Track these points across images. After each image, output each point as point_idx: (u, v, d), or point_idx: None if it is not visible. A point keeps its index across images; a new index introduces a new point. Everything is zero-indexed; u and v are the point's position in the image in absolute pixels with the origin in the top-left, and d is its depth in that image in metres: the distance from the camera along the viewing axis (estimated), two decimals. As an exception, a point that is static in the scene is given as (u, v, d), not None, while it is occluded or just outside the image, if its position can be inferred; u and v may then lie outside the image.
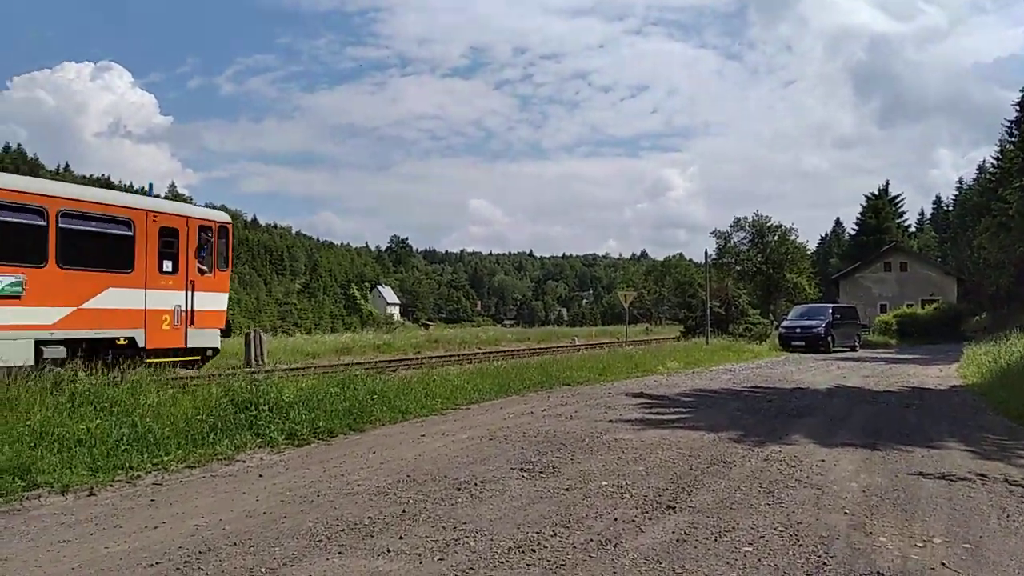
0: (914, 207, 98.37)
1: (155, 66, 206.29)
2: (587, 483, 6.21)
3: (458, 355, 23.56)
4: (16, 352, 10.98)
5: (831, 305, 34.01)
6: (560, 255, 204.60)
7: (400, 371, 15.48)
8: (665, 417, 10.33)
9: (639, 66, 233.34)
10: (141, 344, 13.16)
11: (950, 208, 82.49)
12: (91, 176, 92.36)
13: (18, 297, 11.34)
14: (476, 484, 6.10)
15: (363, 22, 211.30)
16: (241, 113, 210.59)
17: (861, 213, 71.06)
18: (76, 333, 12.17)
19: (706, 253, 36.56)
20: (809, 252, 63.63)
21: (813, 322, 29.75)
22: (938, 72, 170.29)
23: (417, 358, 20.16)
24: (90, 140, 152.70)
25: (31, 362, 11.09)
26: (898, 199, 72.44)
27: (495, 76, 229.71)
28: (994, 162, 53.01)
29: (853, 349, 31.32)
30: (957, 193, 79.13)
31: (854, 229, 74.80)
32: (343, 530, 4.85)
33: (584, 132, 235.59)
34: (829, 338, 29.11)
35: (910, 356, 27.22)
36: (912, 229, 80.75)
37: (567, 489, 5.98)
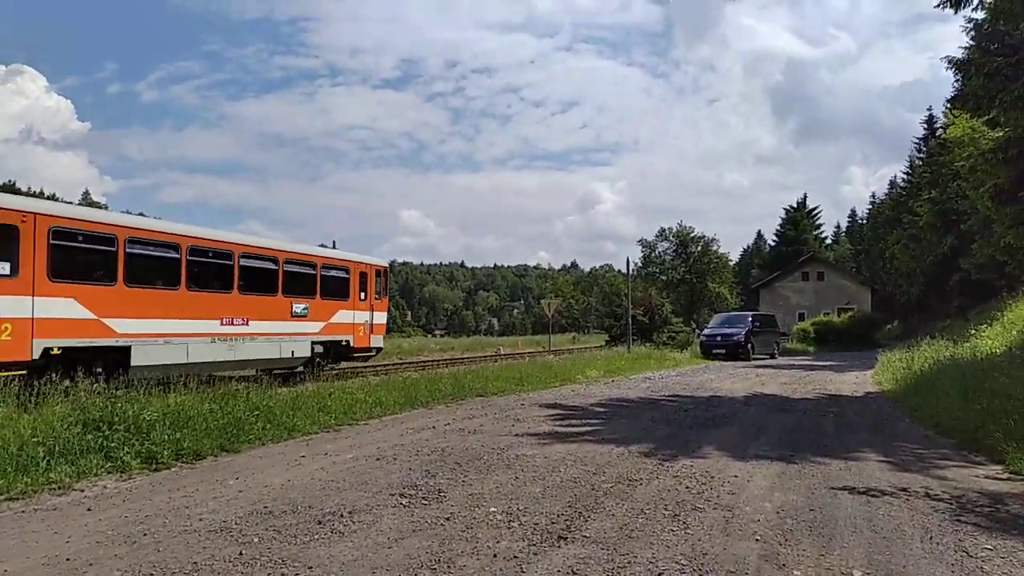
0: (830, 221, 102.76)
1: (71, 70, 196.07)
2: (473, 510, 5.43)
3: (370, 367, 22.50)
4: (304, 349, 18.09)
5: (751, 313, 34.35)
6: (492, 266, 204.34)
7: (298, 385, 14.38)
8: (575, 430, 9.67)
9: (569, 82, 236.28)
10: (351, 345, 20.05)
11: (864, 221, 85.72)
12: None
13: (305, 316, 18.10)
14: (343, 516, 5.25)
15: (292, 31, 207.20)
16: (163, 121, 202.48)
17: (780, 225, 73.09)
18: (326, 338, 18.94)
19: (628, 261, 36.54)
20: (731, 263, 64.96)
21: (733, 330, 29.88)
22: (850, 95, 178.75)
23: (317, 372, 18.99)
24: None
25: (308, 355, 18.21)
26: (815, 212, 74.94)
27: (427, 88, 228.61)
28: (905, 177, 55.26)
29: (772, 356, 31.65)
30: (871, 207, 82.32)
31: (774, 240, 76.90)
32: (157, 581, 3.93)
33: (516, 145, 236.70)
34: (749, 346, 29.27)
35: (827, 363, 27.56)
36: (829, 241, 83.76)
37: (448, 519, 5.19)
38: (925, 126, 52.00)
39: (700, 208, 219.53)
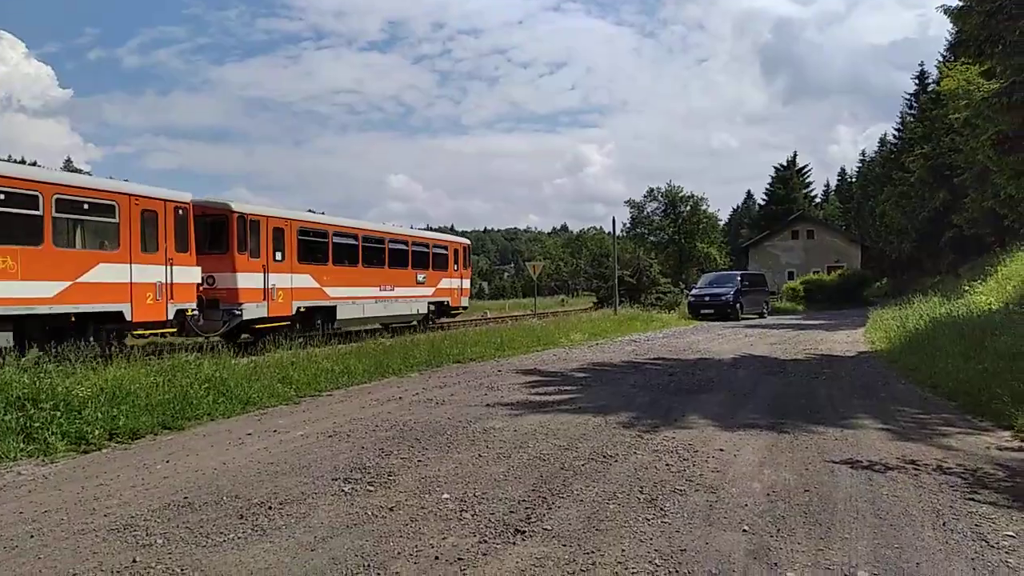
0: (819, 181, 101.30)
1: (51, 36, 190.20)
2: (423, 497, 4.77)
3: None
4: (424, 307, 23.45)
5: (739, 272, 33.77)
6: (481, 229, 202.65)
7: (274, 352, 13.55)
8: (551, 398, 9.03)
9: (558, 42, 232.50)
10: (450, 305, 25.23)
11: (854, 180, 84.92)
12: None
13: (424, 284, 23.43)
14: (271, 507, 4.58)
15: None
16: (146, 86, 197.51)
17: (770, 184, 72.27)
18: (435, 299, 24.18)
19: (613, 221, 36.13)
20: (721, 223, 64.31)
21: (722, 290, 29.31)
22: (838, 53, 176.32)
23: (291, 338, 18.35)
24: None
25: (425, 312, 23.55)
26: (805, 170, 73.96)
27: (413, 51, 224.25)
28: (896, 134, 54.38)
29: (762, 316, 31.16)
30: (860, 165, 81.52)
31: (763, 200, 76.19)
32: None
33: (504, 108, 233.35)
34: (738, 305, 28.74)
35: (817, 322, 27.07)
36: (818, 200, 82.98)
37: (392, 509, 4.53)
38: (916, 82, 50.95)
39: (690, 169, 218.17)
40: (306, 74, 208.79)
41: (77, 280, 12.40)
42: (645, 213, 58.06)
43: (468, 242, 28.73)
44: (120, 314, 13.22)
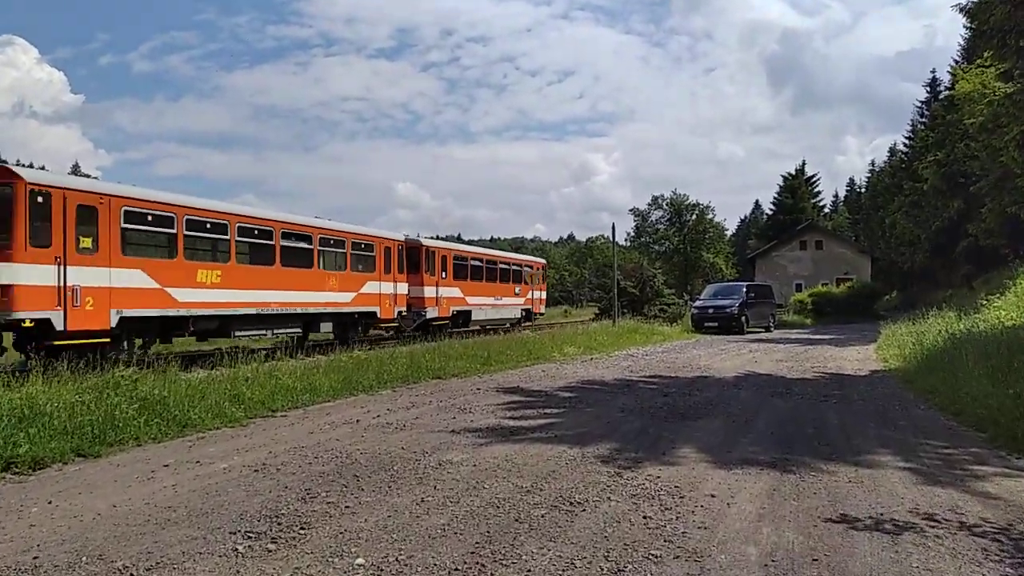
0: (826, 191, 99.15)
1: (63, 42, 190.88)
2: (331, 563, 3.79)
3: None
4: (517, 313, 30.52)
5: (745, 283, 32.69)
6: (488, 238, 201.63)
7: (242, 365, 12.47)
8: (527, 423, 8.04)
9: (566, 51, 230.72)
10: (532, 312, 31.92)
11: (863, 190, 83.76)
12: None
13: (518, 295, 30.24)
14: (131, 576, 3.60)
15: (286, 0, 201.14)
16: (157, 92, 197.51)
17: (778, 193, 71.06)
18: (524, 307, 30.94)
19: (613, 228, 35.53)
20: (727, 232, 63.27)
21: (726, 302, 28.25)
22: (844, 64, 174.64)
23: (268, 349, 17.40)
24: None
25: (517, 317, 30.58)
26: (813, 179, 72.75)
27: (422, 58, 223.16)
28: (906, 143, 53.29)
29: (768, 329, 30.10)
30: (869, 175, 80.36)
31: (771, 209, 75.02)
32: None
33: (511, 116, 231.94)
34: (743, 318, 27.67)
35: (826, 336, 25.99)
36: (827, 211, 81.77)
37: (283, 581, 3.55)
38: (928, 89, 50.02)
39: (697, 178, 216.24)
40: (316, 81, 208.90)
41: (359, 292, 19.85)
42: (650, 221, 57.05)
43: (545, 261, 36.89)
44: (375, 313, 20.60)
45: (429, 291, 23.44)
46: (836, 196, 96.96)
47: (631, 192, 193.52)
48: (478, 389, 10.94)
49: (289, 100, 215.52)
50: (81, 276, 12.01)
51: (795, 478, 5.59)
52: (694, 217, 55.89)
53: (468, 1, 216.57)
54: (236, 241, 15.54)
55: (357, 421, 8.16)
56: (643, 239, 57.20)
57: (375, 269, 20.53)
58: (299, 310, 17.55)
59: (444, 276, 24.32)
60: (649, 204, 57.02)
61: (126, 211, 12.93)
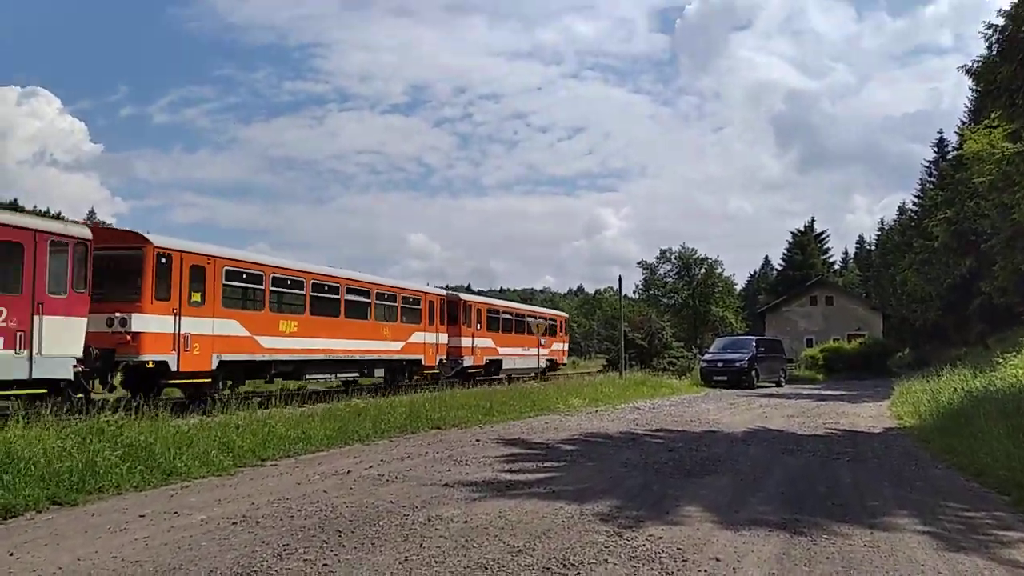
0: (836, 249, 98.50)
1: (85, 93, 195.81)
2: (299, 627, 3.48)
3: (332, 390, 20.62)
4: (544, 362, 31.56)
5: (755, 337, 32.31)
6: (498, 289, 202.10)
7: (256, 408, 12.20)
8: (525, 477, 7.69)
9: (576, 108, 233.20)
10: (556, 362, 33.78)
11: (872, 247, 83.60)
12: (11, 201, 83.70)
13: (544, 345, 30.92)
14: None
15: (303, 56, 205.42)
16: (175, 143, 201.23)
17: (787, 249, 70.96)
18: (548, 358, 32.49)
19: (620, 280, 35.61)
20: (736, 287, 62.93)
21: (736, 355, 27.82)
22: (852, 125, 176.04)
23: (263, 393, 17.12)
24: (12, 168, 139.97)
25: (543, 367, 31.28)
26: (823, 236, 72.60)
27: (435, 114, 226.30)
28: (915, 201, 53.29)
29: (778, 384, 29.57)
30: (879, 233, 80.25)
31: (780, 265, 74.78)
32: None
33: (522, 170, 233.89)
34: (753, 372, 27.21)
35: (838, 392, 25.47)
36: (836, 267, 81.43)
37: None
38: (935, 149, 50.26)
39: (706, 234, 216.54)
40: (330, 134, 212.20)
41: (407, 341, 21.85)
42: (658, 275, 56.87)
43: (566, 315, 40.47)
44: (420, 361, 22.47)
45: (466, 341, 25.30)
46: (846, 253, 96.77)
47: (641, 246, 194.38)
48: (477, 440, 10.59)
49: (304, 152, 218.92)
50: (192, 325, 14.04)
51: (806, 541, 5.23)
52: (703, 271, 55.63)
53: (481, 60, 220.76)
54: (310, 296, 17.74)
55: (348, 472, 7.84)
56: (652, 292, 56.91)
57: (421, 320, 22.62)
58: (358, 356, 19.64)
59: (479, 328, 26.27)
60: (657, 257, 56.90)
61: (227, 270, 15.24)
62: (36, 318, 10.89)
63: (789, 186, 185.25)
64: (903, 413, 15.32)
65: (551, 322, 33.86)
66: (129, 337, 12.73)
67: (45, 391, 11.02)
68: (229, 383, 15.63)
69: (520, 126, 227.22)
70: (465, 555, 4.74)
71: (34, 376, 10.90)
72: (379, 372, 20.96)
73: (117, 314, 12.77)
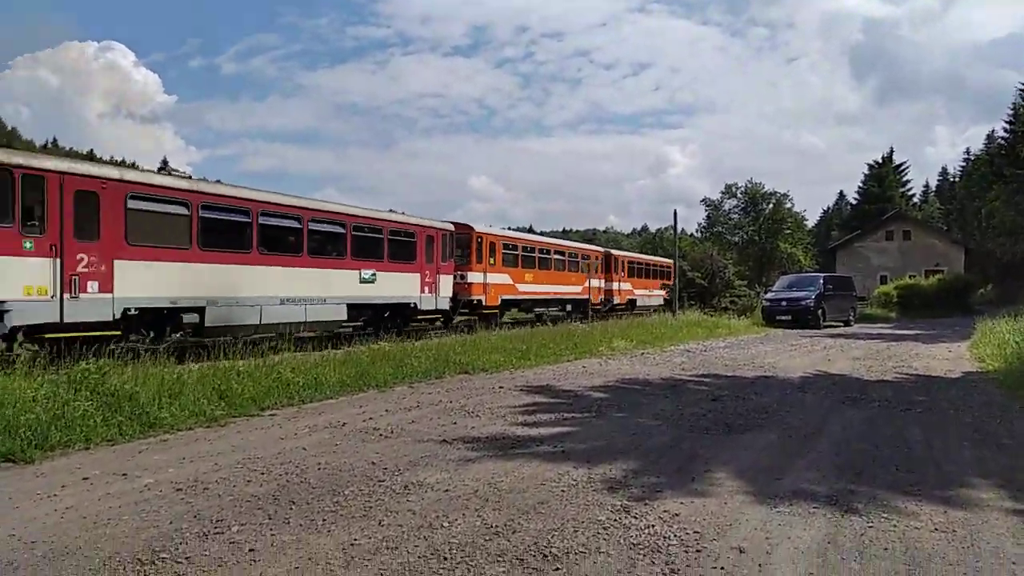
0: (916, 183, 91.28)
1: (157, 46, 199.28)
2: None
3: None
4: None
5: (823, 275, 30.36)
6: (561, 230, 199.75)
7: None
8: (537, 432, 6.78)
9: (641, 43, 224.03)
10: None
11: (956, 179, 78.24)
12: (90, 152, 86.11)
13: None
14: None
15: (365, 1, 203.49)
16: (243, 92, 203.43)
17: (863, 182, 67.23)
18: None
19: (675, 214, 36.25)
20: (807, 223, 59.97)
21: (801, 294, 26.13)
22: (934, 52, 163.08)
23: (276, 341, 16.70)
24: (93, 120, 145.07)
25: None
26: (902, 168, 68.36)
27: (497, 54, 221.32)
28: (1006, 127, 49.05)
29: (847, 324, 27.82)
30: (965, 163, 74.89)
31: (855, 199, 70.97)
32: None
33: (586, 109, 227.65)
34: (819, 311, 25.53)
35: (912, 332, 23.69)
36: (916, 200, 76.70)
37: None
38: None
39: (778, 169, 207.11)
40: (392, 79, 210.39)
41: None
42: (723, 211, 54.54)
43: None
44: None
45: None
46: (927, 186, 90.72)
47: (708, 184, 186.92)
48: (500, 387, 9.73)
49: (368, 98, 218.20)
50: (487, 278, 22.86)
51: (860, 523, 4.18)
52: (770, 206, 53.04)
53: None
54: (549, 258, 27.93)
55: (343, 424, 7.09)
56: (716, 229, 54.70)
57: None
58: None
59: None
60: (723, 192, 54.46)
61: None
62: (440, 276, 19.78)
63: (866, 119, 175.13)
64: (986, 355, 13.77)
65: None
66: (467, 286, 21.75)
67: (441, 318, 20.60)
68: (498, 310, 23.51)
69: (584, 63, 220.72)
70: (426, 538, 3.88)
71: (438, 308, 19.85)
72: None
73: (459, 273, 21.33)
